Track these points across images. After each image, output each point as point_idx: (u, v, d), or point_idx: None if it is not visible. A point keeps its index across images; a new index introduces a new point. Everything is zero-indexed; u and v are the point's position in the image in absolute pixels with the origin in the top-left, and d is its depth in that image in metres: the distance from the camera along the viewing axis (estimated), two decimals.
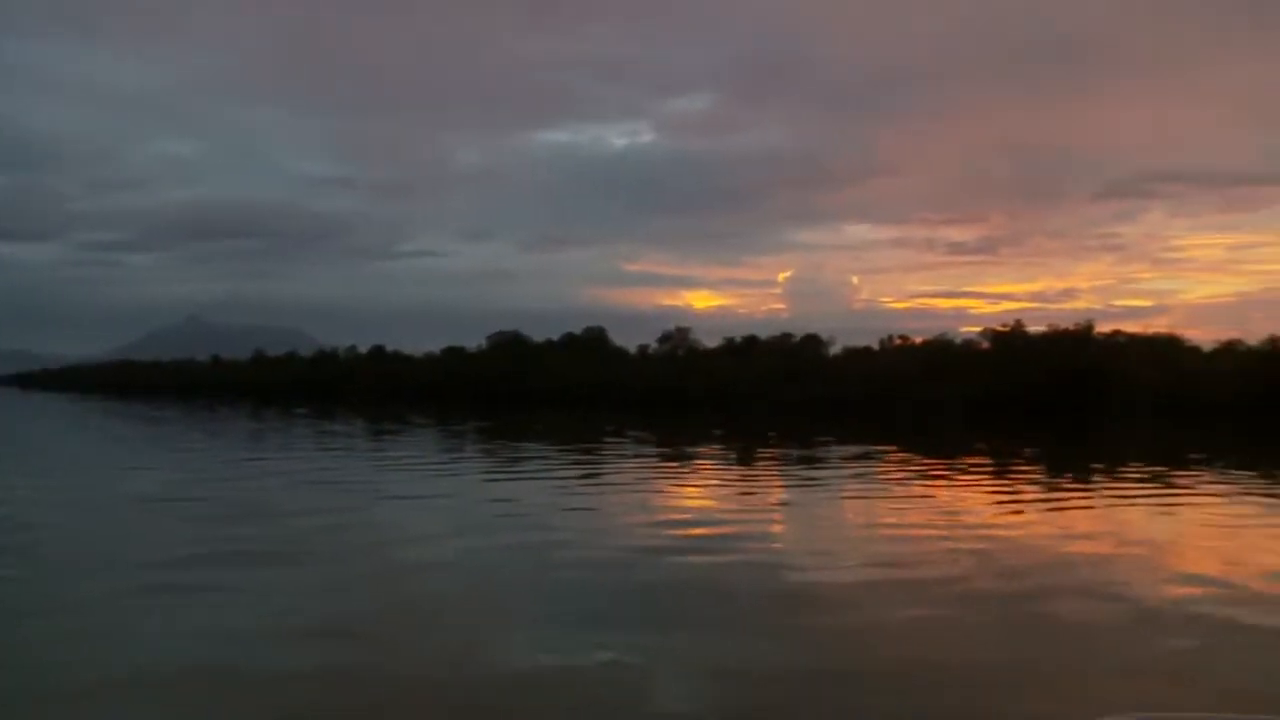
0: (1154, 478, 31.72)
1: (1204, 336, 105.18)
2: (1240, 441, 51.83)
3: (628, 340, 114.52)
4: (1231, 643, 12.28)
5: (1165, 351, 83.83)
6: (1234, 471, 34.55)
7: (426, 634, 12.47)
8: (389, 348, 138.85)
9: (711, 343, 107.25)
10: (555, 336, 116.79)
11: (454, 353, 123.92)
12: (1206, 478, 32.21)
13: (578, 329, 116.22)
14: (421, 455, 39.81)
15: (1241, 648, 12.08)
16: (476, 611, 13.77)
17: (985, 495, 27.57)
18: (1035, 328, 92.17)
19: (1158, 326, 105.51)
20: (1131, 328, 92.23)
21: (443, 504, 24.74)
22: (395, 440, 50.54)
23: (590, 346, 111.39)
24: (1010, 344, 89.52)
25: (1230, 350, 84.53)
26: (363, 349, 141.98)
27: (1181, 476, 32.34)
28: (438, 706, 9.95)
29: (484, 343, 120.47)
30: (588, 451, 42.22)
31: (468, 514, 23.01)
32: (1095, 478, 32.66)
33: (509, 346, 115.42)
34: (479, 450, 44.61)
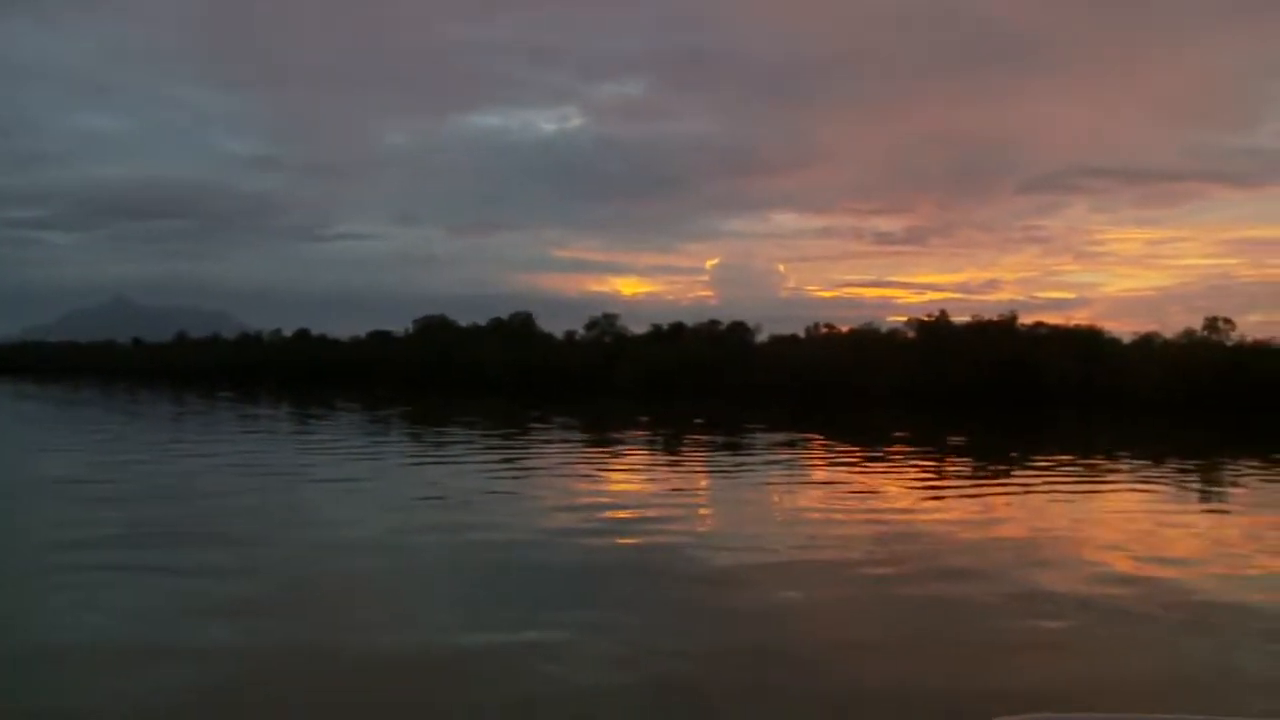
0: (1072, 467, 32.36)
1: (1123, 329, 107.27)
2: (1157, 432, 52.98)
3: (555, 326, 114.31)
4: (1130, 623, 12.68)
5: (1086, 343, 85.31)
6: (1149, 461, 35.34)
7: (348, 614, 12.44)
8: (315, 331, 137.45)
9: (639, 329, 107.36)
10: (483, 321, 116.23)
11: (380, 337, 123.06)
12: (1123, 467, 32.93)
13: (505, 314, 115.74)
14: (346, 439, 39.57)
15: (1138, 627, 12.49)
16: (399, 592, 13.77)
17: (908, 483, 27.96)
18: (960, 318, 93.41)
19: (1079, 318, 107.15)
20: (1054, 319, 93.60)
21: (366, 487, 24.61)
22: (319, 424, 50.15)
23: (517, 332, 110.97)
24: (935, 334, 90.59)
25: (1148, 343, 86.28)
26: (288, 332, 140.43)
27: (1099, 466, 33.08)
28: (358, 683, 9.95)
29: (410, 327, 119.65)
30: (514, 436, 42.16)
31: (391, 497, 22.94)
32: (1016, 466, 33.24)
33: (435, 331, 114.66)
34: (404, 434, 44.42)
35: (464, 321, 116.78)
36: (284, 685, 9.82)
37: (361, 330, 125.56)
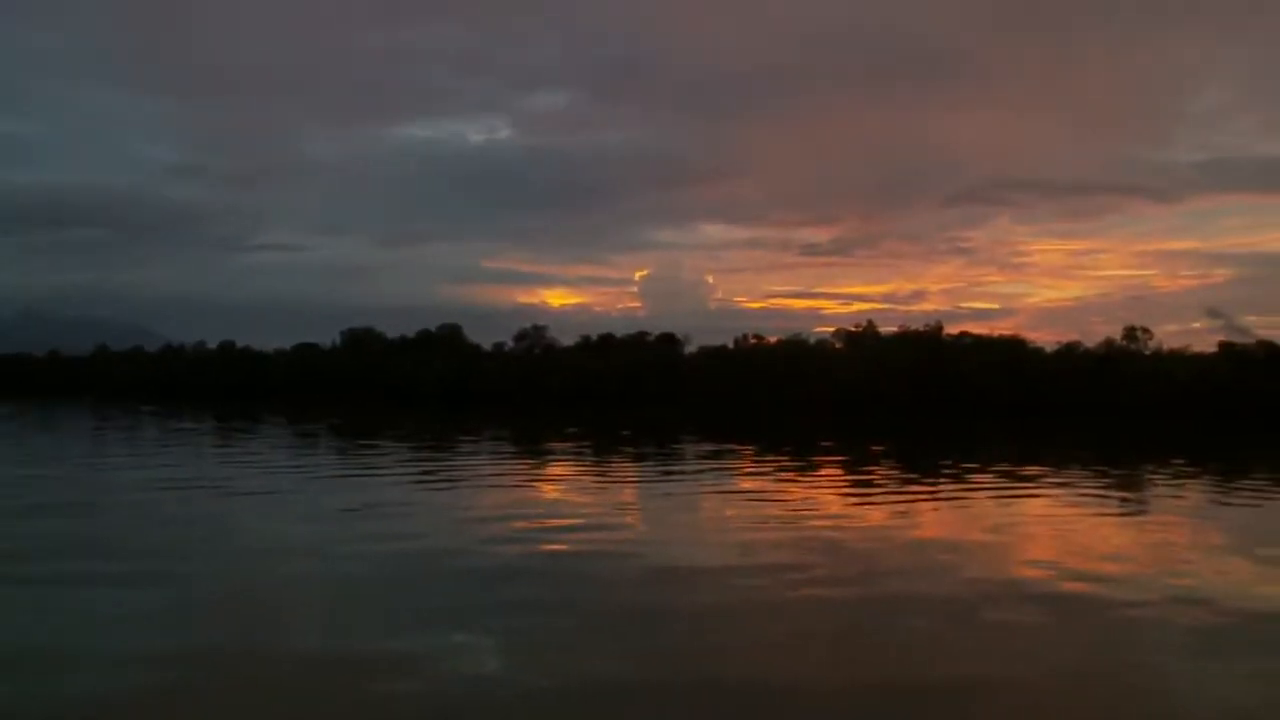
0: (997, 474, 32.89)
1: (1046, 339, 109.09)
2: (1077, 439, 53.94)
3: (484, 337, 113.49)
4: (1055, 621, 13.06)
5: (1010, 353, 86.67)
6: (1071, 468, 36.01)
7: (276, 624, 12.37)
8: (239, 343, 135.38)
9: (568, 340, 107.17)
10: (411, 333, 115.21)
11: (307, 349, 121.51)
12: (1046, 474, 33.50)
13: (434, 326, 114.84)
14: (272, 453, 39.10)
15: (1066, 625, 12.84)
16: (327, 602, 13.69)
17: (837, 490, 28.27)
18: (887, 329, 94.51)
19: (1003, 329, 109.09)
20: (979, 329, 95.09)
21: (294, 500, 24.40)
22: (245, 438, 49.46)
23: (446, 344, 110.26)
24: (862, 344, 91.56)
25: (1070, 352, 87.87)
26: (212, 345, 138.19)
27: (1023, 472, 33.62)
28: (285, 691, 9.95)
29: (338, 339, 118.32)
30: (443, 448, 41.99)
31: (318, 509, 22.77)
32: (941, 474, 33.70)
33: (363, 343, 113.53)
34: (332, 448, 43.97)
35: (392, 333, 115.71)
36: (215, 695, 9.78)
37: (288, 342, 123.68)
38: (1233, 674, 10.93)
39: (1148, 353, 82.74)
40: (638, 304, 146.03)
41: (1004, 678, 10.74)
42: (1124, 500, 26.96)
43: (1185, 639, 12.29)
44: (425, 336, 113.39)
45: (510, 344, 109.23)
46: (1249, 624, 13.02)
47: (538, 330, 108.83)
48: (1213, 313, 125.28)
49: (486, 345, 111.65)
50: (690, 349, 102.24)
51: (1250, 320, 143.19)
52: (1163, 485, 30.50)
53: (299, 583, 14.83)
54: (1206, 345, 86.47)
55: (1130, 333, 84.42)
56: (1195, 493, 28.82)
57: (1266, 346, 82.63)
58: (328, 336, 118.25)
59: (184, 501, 23.66)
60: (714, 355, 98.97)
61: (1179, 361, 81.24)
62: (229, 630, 11.99)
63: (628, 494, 27.25)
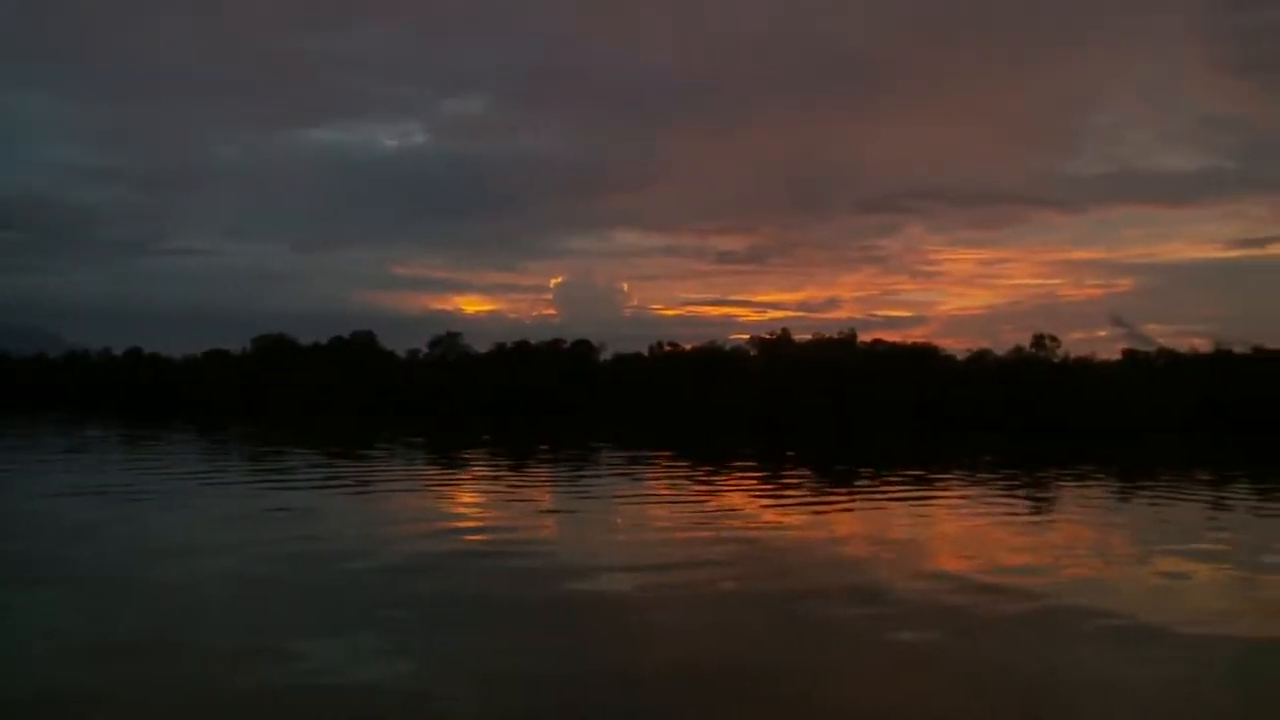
0: (909, 479, 33.40)
1: (958, 346, 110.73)
2: (989, 446, 54.89)
3: (398, 344, 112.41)
4: (963, 624, 13.29)
5: (923, 360, 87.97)
6: (981, 473, 36.67)
7: (189, 641, 12.13)
8: (148, 350, 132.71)
9: (483, 348, 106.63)
10: (324, 340, 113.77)
11: (218, 356, 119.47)
12: (957, 479, 34.09)
13: (347, 333, 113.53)
14: (182, 462, 38.33)
15: (972, 628, 13.08)
16: (242, 618, 13.45)
17: (753, 498, 28.49)
18: (801, 336, 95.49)
19: (916, 336, 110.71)
20: (892, 337, 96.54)
21: (204, 511, 23.97)
22: (154, 447, 48.44)
23: (360, 351, 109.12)
24: (777, 352, 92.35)
25: (981, 359, 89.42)
26: (119, 351, 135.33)
27: (935, 479, 34.19)
28: (183, 691, 9.84)
29: (249, 346, 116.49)
30: (357, 457, 41.54)
31: (230, 521, 22.33)
32: (857, 480, 34.12)
33: (275, 350, 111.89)
34: (243, 457, 43.24)
35: (305, 340, 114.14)
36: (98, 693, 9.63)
37: (198, 349, 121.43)
38: (1139, 673, 11.22)
39: (1056, 360, 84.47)
40: (553, 311, 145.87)
41: (914, 683, 10.90)
42: (1032, 504, 27.55)
43: (1091, 640, 12.57)
44: (339, 343, 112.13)
45: (425, 351, 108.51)
46: (1152, 624, 13.35)
47: (452, 337, 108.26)
48: (1117, 321, 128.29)
49: (401, 353, 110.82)
50: (605, 356, 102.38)
51: (1152, 328, 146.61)
52: (1070, 490, 31.20)
53: (216, 602, 14.55)
54: (1111, 353, 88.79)
55: (1039, 340, 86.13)
56: (1100, 496, 29.52)
57: (1168, 354, 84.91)
58: (239, 343, 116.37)
59: (88, 508, 23.21)
60: (629, 363, 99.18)
61: (1085, 369, 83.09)
62: (133, 630, 11.81)
63: (541, 500, 27.23)
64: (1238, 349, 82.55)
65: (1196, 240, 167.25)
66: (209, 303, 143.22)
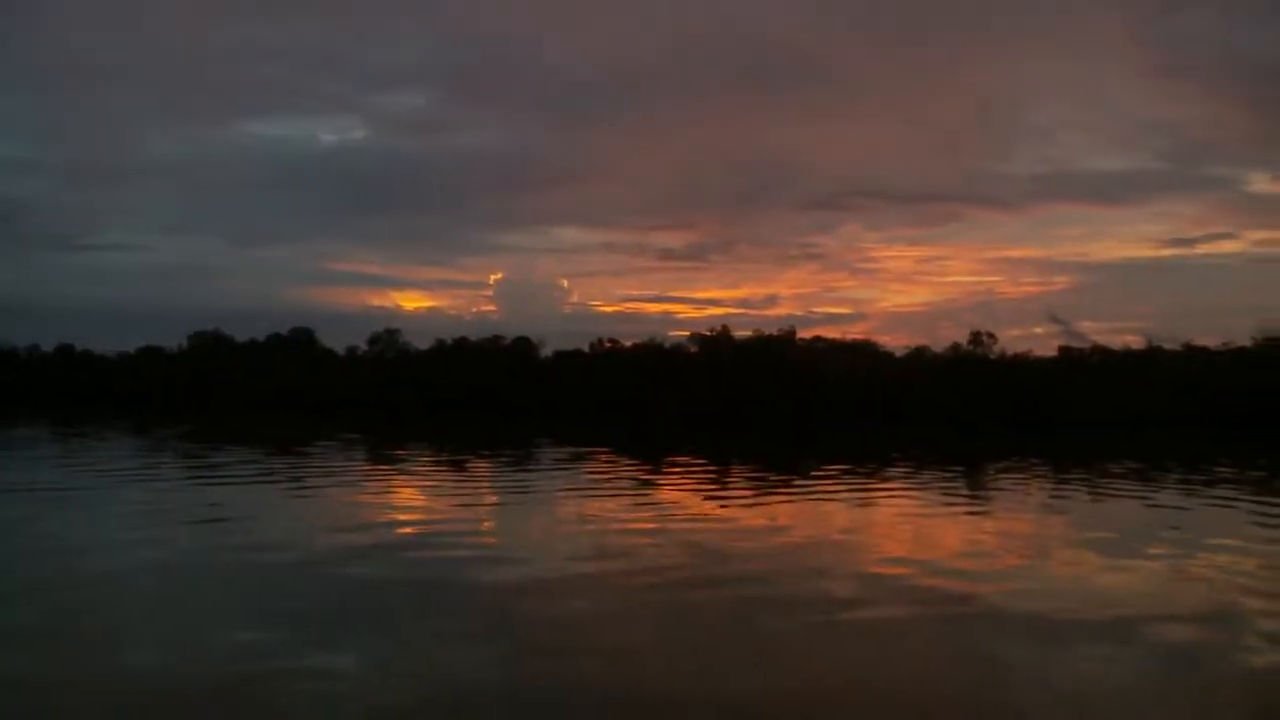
0: (850, 474, 33.63)
1: (897, 342, 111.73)
2: (927, 440, 55.41)
3: (337, 341, 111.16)
4: (905, 615, 13.44)
5: (862, 356, 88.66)
6: (922, 467, 37.00)
7: (119, 640, 11.92)
8: (79, 347, 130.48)
9: (422, 344, 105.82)
10: (262, 337, 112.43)
11: (152, 353, 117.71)
12: (898, 474, 34.38)
13: (285, 329, 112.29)
14: (113, 460, 37.72)
15: (914, 619, 13.19)
16: (174, 616, 13.24)
17: (692, 493, 28.54)
18: (741, 333, 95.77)
19: (855, 333, 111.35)
20: (831, 333, 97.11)
21: (138, 510, 23.47)
22: (86, 446, 47.60)
23: (298, 347, 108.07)
24: (717, 348, 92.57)
25: (920, 356, 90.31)
26: (48, 348, 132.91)
27: (877, 473, 34.47)
28: (131, 713, 9.62)
29: (185, 343, 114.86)
30: (295, 454, 41.09)
31: (165, 519, 21.94)
32: (796, 475, 34.29)
33: (212, 347, 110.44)
34: (179, 455, 42.58)
35: (242, 337, 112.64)
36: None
37: (131, 346, 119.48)
38: (1077, 662, 11.34)
39: (993, 356, 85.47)
40: (492, 307, 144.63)
41: (857, 673, 10.96)
42: (972, 499, 27.80)
43: (1028, 631, 12.71)
44: (276, 340, 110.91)
45: (364, 348, 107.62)
46: (1090, 613, 13.52)
47: (391, 334, 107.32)
48: (1052, 318, 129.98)
49: (340, 349, 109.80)
50: (546, 353, 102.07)
51: (1087, 326, 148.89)
52: (1008, 485, 31.55)
53: (148, 600, 14.33)
54: (1047, 349, 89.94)
55: (976, 337, 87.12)
56: (1037, 489, 29.90)
57: (1102, 351, 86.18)
58: (174, 340, 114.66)
59: (12, 505, 22.84)
60: (570, 359, 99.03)
61: (1022, 365, 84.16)
62: (70, 653, 11.55)
63: (483, 499, 27.08)
64: (1168, 346, 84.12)
65: (1129, 239, 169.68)
66: (143, 299, 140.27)
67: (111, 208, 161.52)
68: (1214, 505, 26.62)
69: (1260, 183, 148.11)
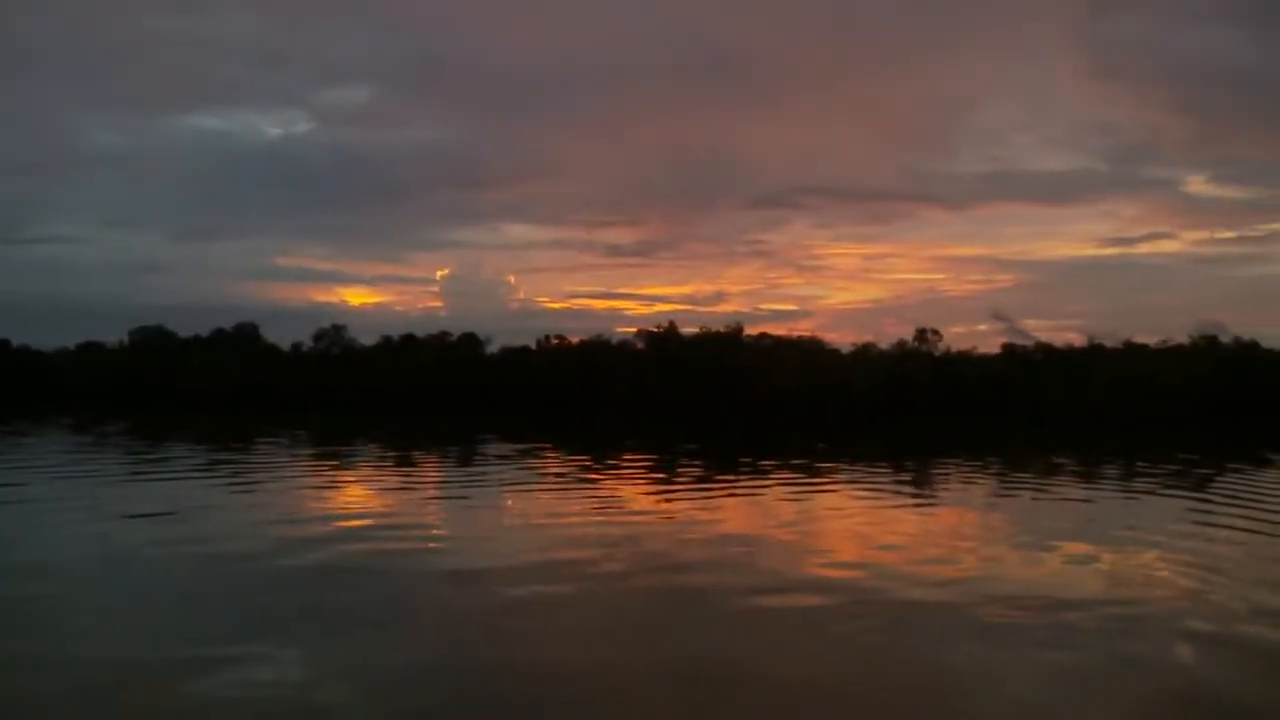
0: (796, 470, 33.85)
1: (843, 339, 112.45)
2: (873, 437, 55.87)
3: (282, 337, 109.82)
4: (846, 613, 13.63)
5: (808, 353, 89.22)
6: (866, 464, 37.31)
7: (59, 640, 11.78)
8: (15, 342, 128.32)
9: (369, 340, 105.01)
10: (205, 332, 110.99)
11: (92, 349, 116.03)
12: (843, 470, 34.64)
13: (229, 325, 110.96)
14: (49, 458, 37.17)
15: (856, 616, 13.39)
16: (115, 615, 13.10)
17: (638, 488, 28.62)
18: (688, 329, 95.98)
19: (802, 329, 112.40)
20: (778, 330, 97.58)
21: (76, 506, 23.17)
22: (21, 443, 46.81)
23: (242, 343, 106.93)
24: (664, 345, 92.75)
25: (865, 352, 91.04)
26: None
27: (821, 468, 34.73)
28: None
29: (126, 338, 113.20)
30: (240, 451, 40.72)
31: (105, 517, 21.66)
32: (742, 471, 34.45)
33: (154, 342, 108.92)
34: (117, 451, 42.03)
35: (184, 332, 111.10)
36: None
37: (70, 342, 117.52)
38: (1018, 660, 11.52)
39: (938, 354, 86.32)
40: (439, 303, 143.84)
41: (796, 669, 11.08)
42: (915, 495, 28.10)
43: (970, 627, 12.88)
44: (220, 335, 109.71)
45: (309, 343, 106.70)
46: (1031, 610, 13.72)
47: (337, 330, 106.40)
48: (997, 316, 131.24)
49: (285, 345, 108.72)
50: (493, 349, 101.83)
51: (1030, 323, 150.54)
52: (950, 480, 31.90)
53: (88, 599, 14.17)
54: (991, 346, 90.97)
55: (921, 334, 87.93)
56: (979, 487, 30.22)
57: (1044, 348, 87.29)
58: (115, 335, 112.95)
59: None
60: (517, 355, 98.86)
61: (966, 362, 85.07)
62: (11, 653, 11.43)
63: (429, 494, 27.01)
64: (1109, 343, 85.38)
65: (1073, 239, 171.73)
66: (82, 293, 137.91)
67: (49, 200, 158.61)
68: (1134, 498, 27.06)
69: (1198, 185, 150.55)
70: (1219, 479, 32.45)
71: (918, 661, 11.39)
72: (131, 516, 21.36)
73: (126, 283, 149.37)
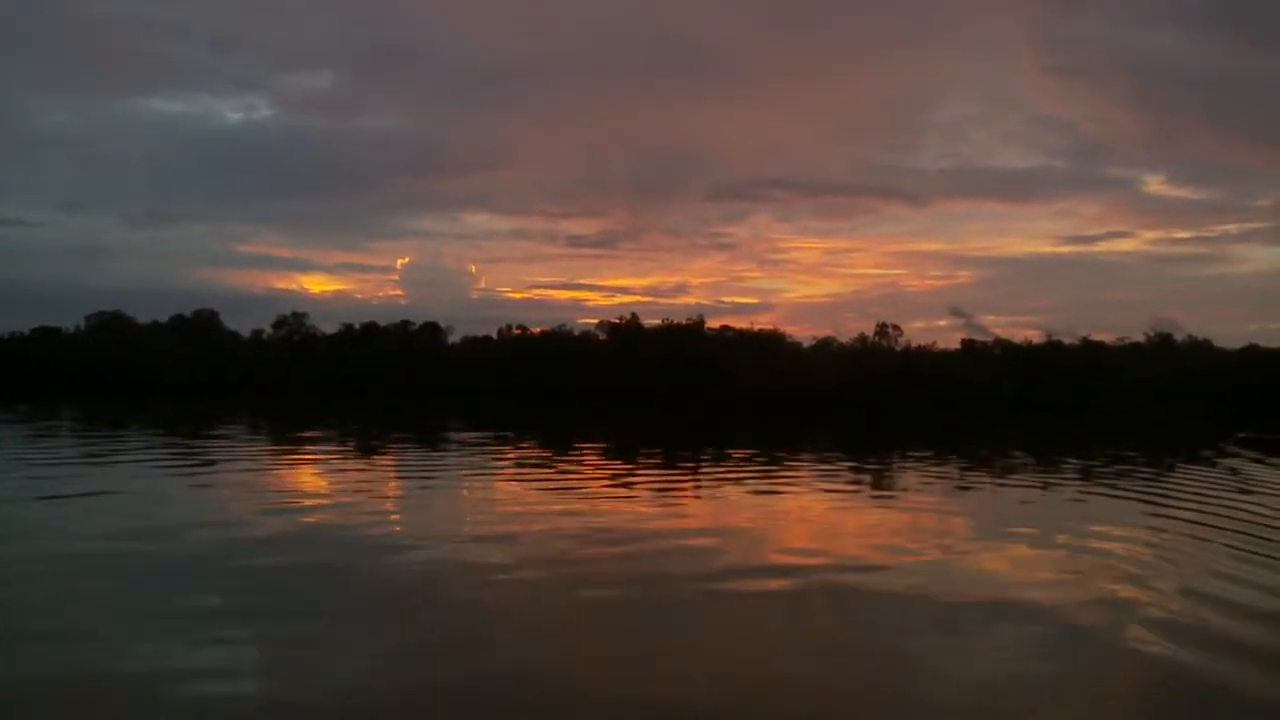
0: (756, 463, 33.97)
1: (803, 333, 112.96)
2: (832, 430, 56.14)
3: (242, 324, 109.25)
4: (805, 603, 13.72)
5: (769, 346, 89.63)
6: (826, 457, 37.47)
7: (18, 634, 11.63)
8: None
9: (330, 328, 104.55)
10: (163, 318, 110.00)
11: (47, 334, 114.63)
12: (803, 463, 34.78)
13: (188, 311, 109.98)
14: (5, 443, 36.76)
15: (815, 607, 13.51)
16: (72, 607, 12.92)
17: (599, 480, 28.62)
18: (650, 321, 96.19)
19: (763, 323, 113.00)
20: (739, 323, 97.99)
21: (18, 493, 22.83)
22: None
23: (201, 330, 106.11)
24: (626, 336, 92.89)
25: (825, 346, 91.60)
26: None
27: (780, 461, 34.86)
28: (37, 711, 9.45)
29: (82, 324, 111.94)
30: (197, 438, 40.38)
31: (59, 504, 21.38)
32: (703, 463, 34.53)
33: (111, 328, 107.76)
34: (72, 438, 41.62)
35: (143, 318, 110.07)
36: None
37: (24, 326, 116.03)
38: (974, 649, 11.63)
39: (898, 348, 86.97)
40: (400, 292, 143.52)
41: (762, 662, 11.15)
42: (874, 488, 28.23)
43: (929, 617, 12.96)
44: (179, 321, 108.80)
45: (269, 331, 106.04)
46: (988, 601, 13.85)
47: (297, 317, 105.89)
48: (956, 311, 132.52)
49: (245, 332, 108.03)
50: (454, 339, 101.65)
51: (989, 319, 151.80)
52: (910, 474, 32.11)
53: (46, 591, 14.00)
54: (950, 342, 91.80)
55: (881, 329, 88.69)
56: (939, 481, 30.42)
57: (1002, 344, 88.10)
58: (71, 320, 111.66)
59: None
60: (478, 345, 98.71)
61: (925, 357, 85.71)
62: None
63: (391, 484, 26.93)
64: (1066, 340, 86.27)
65: (1032, 236, 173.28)
66: (37, 277, 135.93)
67: (3, 183, 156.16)
68: (1088, 494, 27.34)
69: (1155, 184, 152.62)
70: (1170, 476, 32.85)
71: (877, 649, 11.48)
72: (85, 508, 21.03)
73: (83, 267, 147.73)
